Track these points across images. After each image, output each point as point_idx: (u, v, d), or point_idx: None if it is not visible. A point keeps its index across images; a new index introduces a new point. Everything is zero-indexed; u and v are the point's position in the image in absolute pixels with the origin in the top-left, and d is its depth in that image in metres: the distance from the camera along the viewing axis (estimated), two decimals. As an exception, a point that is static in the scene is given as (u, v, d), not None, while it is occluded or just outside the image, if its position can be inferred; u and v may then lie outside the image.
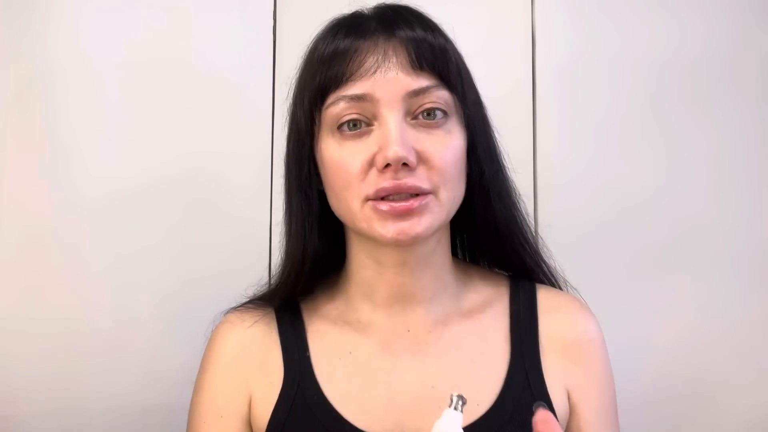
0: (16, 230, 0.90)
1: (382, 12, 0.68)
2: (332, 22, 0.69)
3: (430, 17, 0.69)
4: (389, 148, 0.61)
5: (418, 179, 0.62)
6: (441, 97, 0.64)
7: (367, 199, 0.63)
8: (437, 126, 0.64)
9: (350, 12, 0.70)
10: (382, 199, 0.63)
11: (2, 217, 0.90)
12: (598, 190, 0.99)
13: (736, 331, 0.98)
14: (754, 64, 1.00)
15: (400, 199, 0.62)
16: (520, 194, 0.75)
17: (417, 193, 0.63)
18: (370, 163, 0.63)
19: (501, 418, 0.66)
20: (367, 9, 0.70)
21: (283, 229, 0.74)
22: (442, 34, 0.68)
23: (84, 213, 0.91)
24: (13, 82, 0.91)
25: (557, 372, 0.70)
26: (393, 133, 0.61)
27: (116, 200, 0.92)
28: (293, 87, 0.71)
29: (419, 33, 0.65)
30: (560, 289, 0.78)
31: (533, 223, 0.97)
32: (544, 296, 0.75)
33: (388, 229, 0.63)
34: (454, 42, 0.70)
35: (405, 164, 0.61)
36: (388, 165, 0.62)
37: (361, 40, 0.64)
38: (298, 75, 0.70)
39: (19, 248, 0.90)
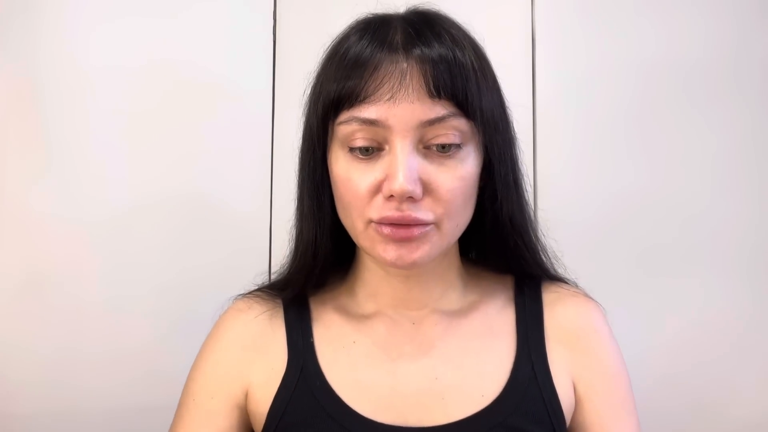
0: (15, 230, 0.90)
1: (408, 23, 0.65)
2: (362, 21, 0.67)
3: (458, 26, 0.67)
4: (395, 180, 0.60)
5: (422, 212, 0.62)
6: (457, 126, 0.62)
7: (371, 221, 0.63)
8: (450, 157, 0.63)
9: (382, 13, 0.68)
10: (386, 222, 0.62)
11: (2, 217, 0.90)
12: (598, 190, 0.99)
13: (736, 331, 0.99)
14: (754, 66, 1.01)
15: (402, 226, 0.62)
16: (532, 218, 0.73)
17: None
18: (377, 188, 0.62)
19: (507, 409, 0.66)
20: (396, 14, 0.67)
21: (294, 227, 0.74)
22: (465, 46, 0.64)
23: (83, 212, 0.92)
24: (12, 87, 0.91)
25: (563, 363, 0.70)
26: (400, 166, 0.60)
27: (115, 201, 0.92)
28: (312, 78, 0.69)
29: (437, 51, 0.62)
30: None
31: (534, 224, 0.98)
32: (550, 289, 0.75)
33: (389, 253, 0.63)
34: (481, 48, 0.67)
35: (411, 196, 0.61)
36: (393, 195, 0.61)
37: (384, 53, 0.62)
38: (319, 69, 0.68)
39: (18, 249, 0.90)
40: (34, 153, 0.91)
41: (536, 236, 0.74)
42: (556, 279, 0.77)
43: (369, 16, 0.68)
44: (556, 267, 0.77)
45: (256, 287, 0.77)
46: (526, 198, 0.72)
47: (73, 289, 0.91)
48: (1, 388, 0.88)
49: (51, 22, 0.92)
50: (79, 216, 0.91)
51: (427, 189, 0.62)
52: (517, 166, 0.71)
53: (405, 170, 0.60)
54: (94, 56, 0.93)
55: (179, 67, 0.95)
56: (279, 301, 0.74)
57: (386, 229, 0.62)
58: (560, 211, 0.98)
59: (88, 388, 0.90)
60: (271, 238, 0.95)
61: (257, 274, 0.82)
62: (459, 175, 0.63)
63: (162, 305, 0.92)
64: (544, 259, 0.75)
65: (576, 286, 0.77)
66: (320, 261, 0.70)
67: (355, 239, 0.67)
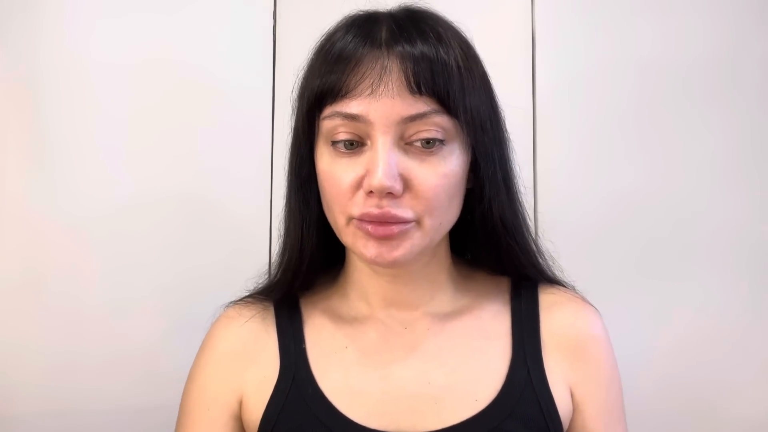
0: (14, 229, 0.90)
1: (394, 20, 0.65)
2: (350, 18, 0.67)
3: (447, 24, 0.66)
4: (374, 176, 0.60)
5: (402, 209, 0.62)
6: (439, 123, 0.61)
7: (352, 218, 0.63)
8: (432, 153, 0.62)
9: (372, 10, 0.68)
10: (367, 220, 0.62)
11: (2, 216, 0.90)
12: (597, 190, 0.99)
13: (736, 332, 0.99)
14: (753, 66, 1.01)
15: (382, 223, 0.62)
16: (527, 219, 0.72)
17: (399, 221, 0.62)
18: (359, 183, 0.62)
19: (501, 414, 0.66)
20: (385, 11, 0.67)
21: (282, 224, 0.74)
22: (451, 44, 0.63)
23: (83, 213, 0.92)
24: (11, 86, 0.91)
25: (559, 369, 0.69)
26: (380, 161, 0.60)
27: (116, 200, 0.92)
28: (302, 71, 0.69)
29: (420, 49, 0.61)
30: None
31: (533, 224, 0.97)
32: (546, 293, 0.74)
33: (369, 250, 0.63)
34: (471, 48, 0.66)
35: (390, 192, 0.61)
36: (372, 191, 0.61)
37: (367, 48, 0.62)
38: (308, 63, 0.68)
39: (17, 249, 0.90)
40: (33, 152, 0.91)
41: (531, 237, 0.73)
42: (554, 282, 0.76)
43: (360, 12, 0.68)
44: (552, 268, 0.76)
45: (247, 293, 0.77)
46: (520, 199, 0.72)
47: (73, 289, 0.91)
48: (2, 389, 0.88)
49: (50, 21, 0.92)
50: (78, 215, 0.91)
51: (407, 185, 0.62)
52: (508, 166, 0.70)
53: (384, 165, 0.60)
54: (94, 55, 0.93)
55: (179, 67, 0.95)
56: (270, 305, 0.74)
57: (368, 226, 0.62)
58: (559, 212, 0.97)
59: (88, 389, 0.90)
60: (271, 238, 0.95)
61: (257, 274, 0.82)
62: (441, 172, 0.62)
63: (162, 306, 0.92)
64: (540, 260, 0.74)
65: (573, 289, 0.76)
66: (307, 257, 0.70)
67: (338, 236, 0.67)
